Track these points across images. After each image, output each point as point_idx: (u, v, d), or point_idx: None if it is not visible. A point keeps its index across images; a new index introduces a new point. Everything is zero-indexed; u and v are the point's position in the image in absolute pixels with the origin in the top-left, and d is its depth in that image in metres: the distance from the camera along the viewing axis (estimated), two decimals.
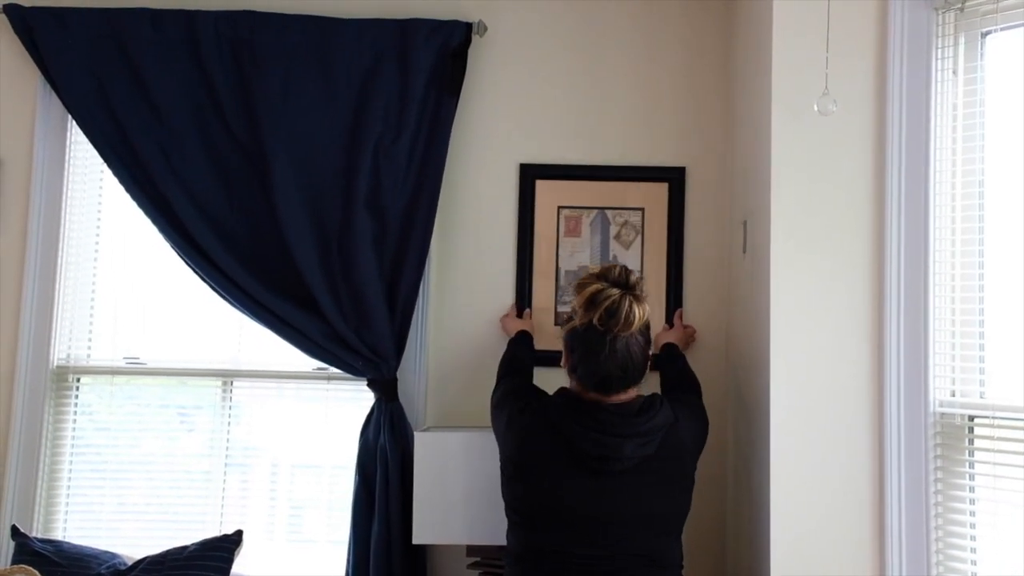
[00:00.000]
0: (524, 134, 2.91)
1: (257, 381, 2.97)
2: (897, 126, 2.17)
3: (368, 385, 2.79)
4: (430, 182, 2.78)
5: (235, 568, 2.51)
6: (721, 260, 2.84)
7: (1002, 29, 2.15)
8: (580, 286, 2.08)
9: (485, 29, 2.88)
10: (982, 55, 2.17)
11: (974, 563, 2.06)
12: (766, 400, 2.22)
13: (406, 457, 2.68)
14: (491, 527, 2.36)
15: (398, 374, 2.78)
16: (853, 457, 2.16)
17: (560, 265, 2.87)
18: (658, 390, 2.37)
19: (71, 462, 2.95)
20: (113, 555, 2.56)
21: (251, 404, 3.00)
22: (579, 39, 2.92)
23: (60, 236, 2.92)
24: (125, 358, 2.98)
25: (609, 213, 2.87)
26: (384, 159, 2.78)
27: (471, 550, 2.61)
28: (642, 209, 2.86)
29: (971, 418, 2.10)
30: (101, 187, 3.00)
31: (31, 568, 2.36)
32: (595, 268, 2.13)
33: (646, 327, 2.09)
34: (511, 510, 2.15)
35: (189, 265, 2.81)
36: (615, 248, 2.86)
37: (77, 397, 2.97)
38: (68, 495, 2.93)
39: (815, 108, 2.02)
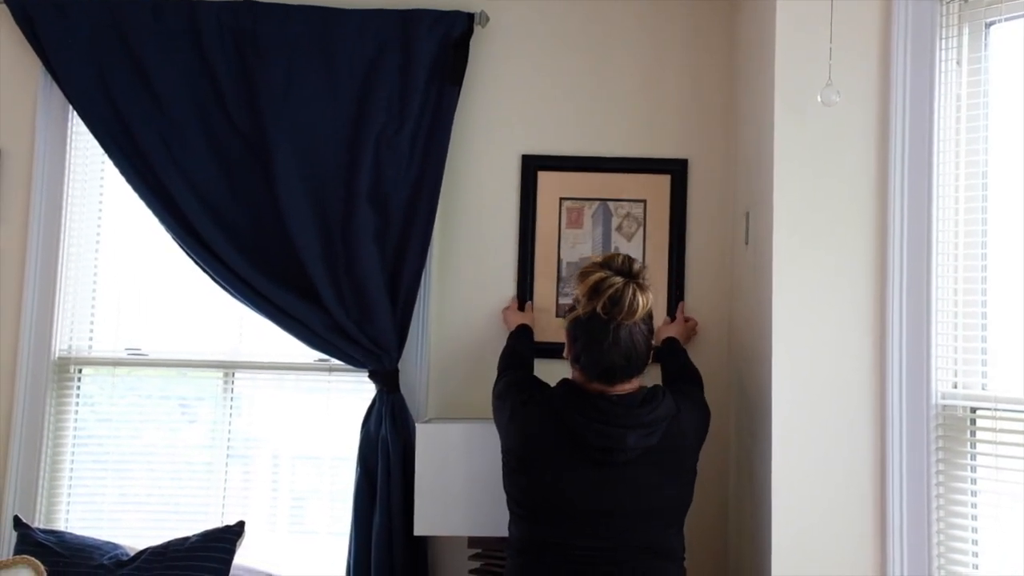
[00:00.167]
0: (526, 125, 2.90)
1: (258, 372, 2.97)
2: (901, 117, 2.17)
3: (370, 376, 2.79)
4: (432, 173, 2.78)
5: (237, 559, 2.51)
6: (723, 252, 2.84)
7: (1006, 19, 2.14)
8: (583, 275, 2.08)
9: (487, 20, 2.88)
10: (986, 45, 2.17)
11: (975, 555, 2.06)
12: (768, 392, 2.22)
13: (407, 449, 2.68)
14: (493, 519, 2.36)
15: (399, 365, 2.78)
16: (855, 449, 2.16)
17: (562, 257, 2.87)
18: (659, 382, 2.37)
19: (73, 453, 2.95)
20: (115, 546, 2.56)
21: (252, 395, 3.00)
22: (582, 30, 2.91)
23: (61, 227, 2.92)
24: (127, 349, 2.98)
25: (611, 205, 2.87)
26: (386, 150, 2.78)
27: (472, 542, 2.61)
28: (644, 201, 2.86)
29: (973, 410, 2.10)
30: (102, 177, 2.99)
31: (34, 559, 2.36)
32: (598, 257, 2.13)
33: (649, 316, 2.09)
34: (513, 502, 2.15)
35: (190, 256, 2.81)
36: (617, 240, 2.86)
37: (79, 388, 2.96)
38: (70, 486, 2.93)
39: (819, 99, 2.01)
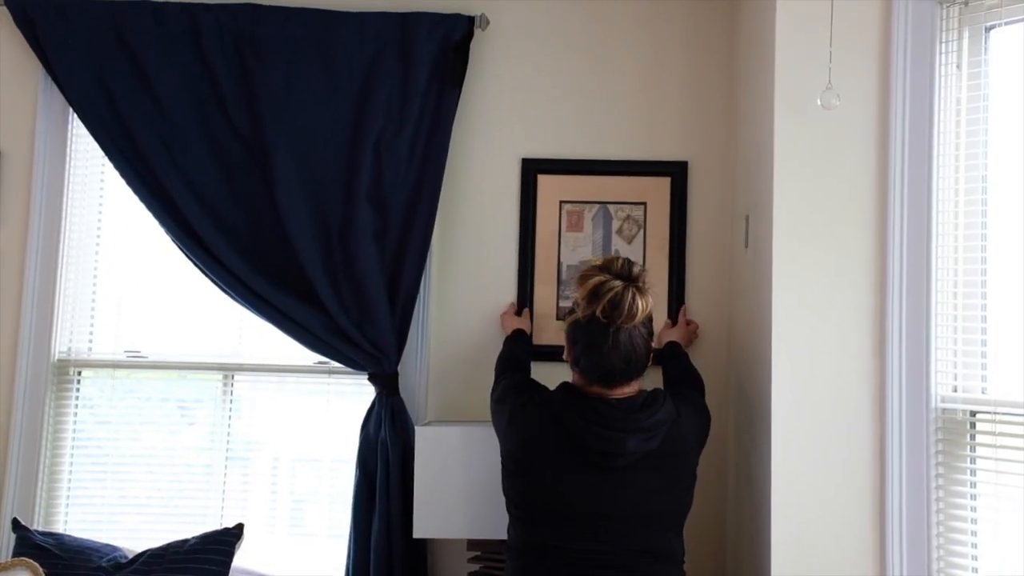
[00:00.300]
0: (526, 128, 2.90)
1: (258, 375, 2.97)
2: (900, 121, 2.17)
3: (369, 379, 2.79)
4: (432, 176, 2.78)
5: (236, 561, 2.50)
6: (723, 254, 2.84)
7: (1006, 23, 2.14)
8: (583, 278, 2.08)
9: (487, 23, 2.88)
10: (986, 49, 2.17)
11: (975, 558, 2.06)
12: (767, 395, 2.21)
13: (407, 451, 2.68)
14: (492, 521, 2.36)
15: (399, 368, 2.78)
16: (854, 452, 2.16)
17: (562, 260, 2.87)
18: (660, 386, 2.37)
19: (72, 455, 2.95)
20: (114, 548, 2.56)
21: (252, 398, 3.00)
22: (582, 33, 2.91)
23: (61, 229, 2.92)
24: (126, 351, 2.98)
25: (611, 207, 2.87)
26: (386, 153, 2.78)
27: (472, 544, 2.61)
28: (644, 203, 2.86)
29: (973, 413, 2.10)
30: (102, 180, 3.00)
31: (32, 561, 2.36)
32: (597, 260, 2.12)
33: (649, 319, 2.09)
34: (512, 505, 2.15)
35: (190, 258, 2.81)
36: (617, 242, 2.85)
37: (78, 390, 2.96)
38: (69, 488, 2.93)
39: (818, 102, 2.02)
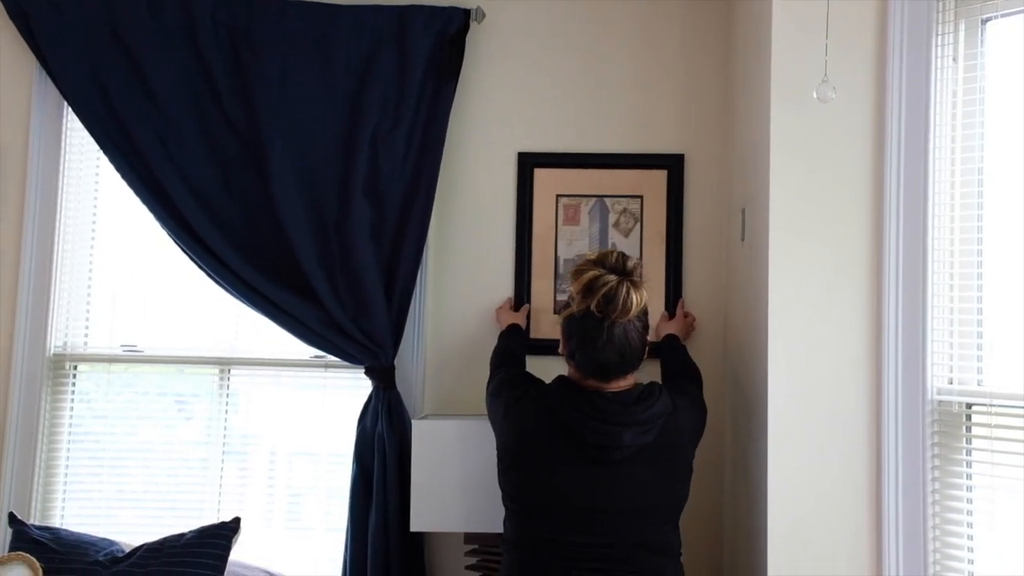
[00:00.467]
0: (522, 122, 2.90)
1: (255, 369, 2.97)
2: (896, 113, 2.17)
3: (366, 373, 2.79)
4: (428, 169, 2.78)
5: (233, 555, 2.50)
6: (720, 247, 2.84)
7: (1002, 15, 2.14)
8: (577, 272, 2.07)
9: (483, 16, 2.87)
10: (982, 42, 2.16)
11: (971, 550, 2.06)
12: (764, 387, 2.22)
13: (404, 445, 2.68)
14: (489, 515, 2.36)
15: (396, 362, 2.78)
16: (851, 445, 2.16)
17: (559, 254, 2.86)
18: (658, 379, 2.37)
19: (68, 450, 2.95)
20: (111, 542, 2.56)
21: (249, 392, 3.00)
22: (578, 27, 2.91)
23: (56, 224, 2.92)
24: (122, 346, 2.97)
25: (608, 201, 2.86)
26: (382, 146, 2.78)
27: (469, 538, 2.61)
28: (641, 197, 2.86)
29: (969, 406, 2.10)
30: (97, 174, 2.99)
31: (29, 555, 2.36)
32: (592, 254, 2.12)
33: (644, 312, 2.09)
34: (508, 499, 2.15)
35: (186, 253, 2.81)
36: (614, 236, 2.85)
37: (74, 385, 2.96)
38: (65, 483, 2.93)
39: (814, 95, 2.01)
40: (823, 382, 2.18)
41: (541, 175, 2.88)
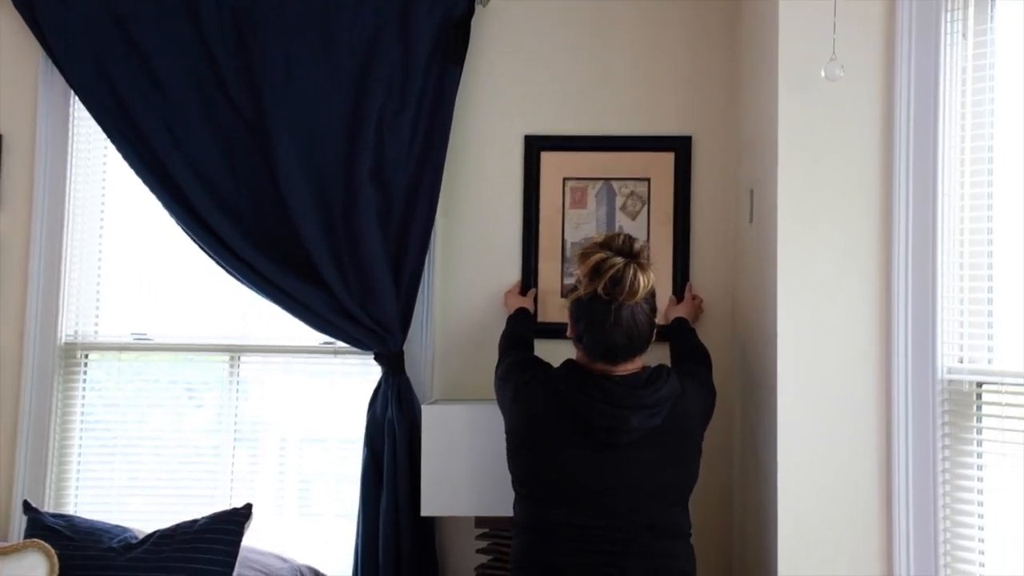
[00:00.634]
0: (529, 105, 2.89)
1: (265, 356, 2.97)
2: (905, 91, 2.15)
3: (375, 359, 2.79)
4: (435, 154, 2.77)
5: (245, 541, 2.52)
6: (728, 229, 2.83)
7: None
8: (584, 255, 2.07)
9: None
10: (992, 17, 2.14)
11: (981, 528, 2.06)
12: (773, 368, 2.21)
13: (414, 430, 2.69)
14: (499, 499, 2.36)
15: (404, 347, 2.78)
16: (860, 425, 2.16)
17: (566, 237, 2.86)
18: (665, 361, 2.36)
19: (81, 438, 2.97)
20: (124, 529, 2.58)
21: (259, 379, 3.01)
22: (584, 9, 2.88)
23: (65, 212, 2.93)
24: (132, 334, 2.98)
25: (615, 184, 2.85)
26: (388, 131, 2.77)
27: (480, 521, 2.62)
28: (648, 179, 2.84)
29: (979, 385, 2.09)
30: (105, 162, 3.00)
31: (44, 542, 2.38)
32: (599, 237, 2.12)
33: (651, 295, 2.08)
34: (517, 482, 2.15)
35: (194, 240, 2.81)
36: (621, 219, 2.84)
37: (85, 373, 2.98)
38: (78, 471, 2.96)
39: (822, 74, 2.00)
40: (832, 363, 2.17)
41: (548, 158, 2.87)
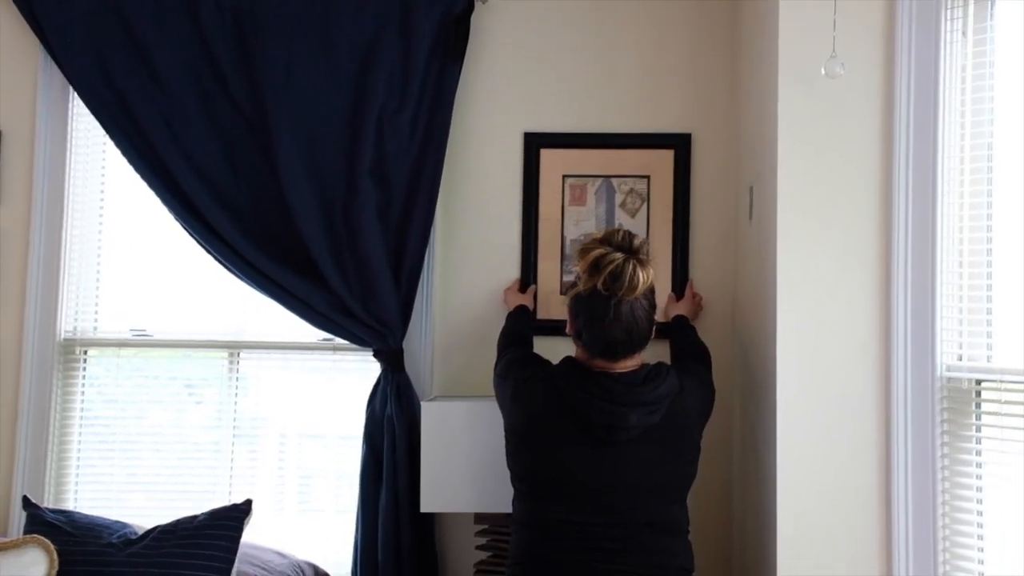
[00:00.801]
0: (529, 102, 2.89)
1: (264, 352, 2.98)
2: (905, 88, 2.15)
3: (374, 355, 2.79)
4: (434, 150, 2.77)
5: (245, 537, 2.52)
6: (727, 226, 2.83)
7: None
8: (583, 251, 2.07)
9: None
10: (992, 15, 2.14)
11: (980, 526, 2.06)
12: (772, 365, 2.21)
13: (413, 427, 2.69)
14: (499, 495, 2.37)
15: (404, 344, 2.78)
16: (859, 422, 2.16)
17: (565, 235, 2.86)
18: (665, 359, 2.37)
19: (80, 434, 2.96)
20: (124, 525, 2.58)
21: (258, 375, 3.01)
22: (584, 5, 2.88)
23: (64, 208, 2.92)
24: (132, 330, 2.99)
25: (614, 181, 2.85)
26: (388, 128, 2.76)
27: (479, 518, 2.62)
28: (648, 176, 2.84)
29: (978, 382, 2.09)
30: (104, 158, 2.99)
31: (44, 538, 2.38)
32: (598, 233, 2.12)
33: (651, 291, 2.09)
34: (517, 479, 2.16)
35: (193, 236, 2.81)
36: (621, 216, 2.85)
37: (85, 369, 2.98)
38: (78, 467, 2.95)
39: (823, 71, 2.00)
40: (832, 360, 2.18)
41: (547, 155, 2.87)
